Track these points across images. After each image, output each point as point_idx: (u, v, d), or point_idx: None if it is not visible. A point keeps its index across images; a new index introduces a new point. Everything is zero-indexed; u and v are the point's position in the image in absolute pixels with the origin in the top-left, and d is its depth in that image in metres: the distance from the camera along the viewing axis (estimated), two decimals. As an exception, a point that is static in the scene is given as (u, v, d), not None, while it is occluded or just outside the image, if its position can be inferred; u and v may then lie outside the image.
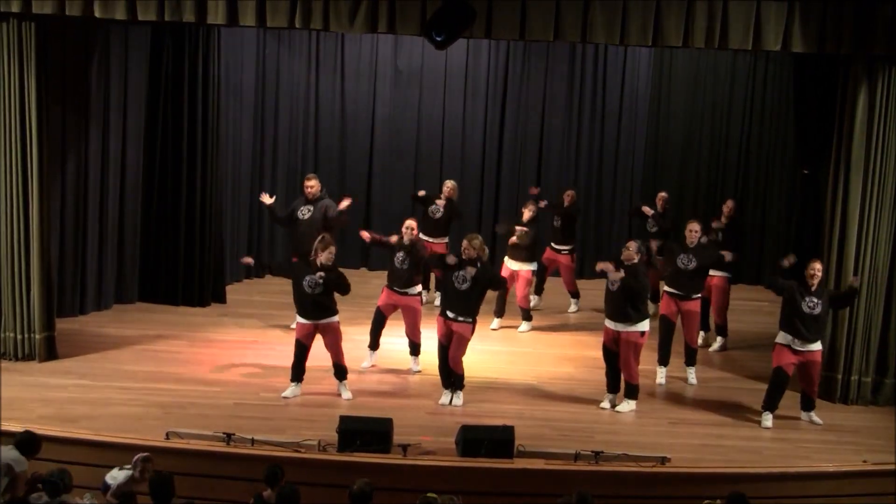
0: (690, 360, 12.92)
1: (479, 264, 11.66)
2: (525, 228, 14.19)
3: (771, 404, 11.64)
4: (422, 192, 15.28)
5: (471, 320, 11.70)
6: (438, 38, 10.65)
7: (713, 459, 10.63)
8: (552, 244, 15.34)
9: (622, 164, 17.55)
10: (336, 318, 11.70)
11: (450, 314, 11.68)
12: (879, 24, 11.64)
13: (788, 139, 16.42)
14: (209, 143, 14.66)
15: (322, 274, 11.43)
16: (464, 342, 11.73)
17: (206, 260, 14.78)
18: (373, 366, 12.75)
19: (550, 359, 13.39)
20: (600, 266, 11.75)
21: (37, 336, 12.30)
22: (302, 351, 11.69)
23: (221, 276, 15.09)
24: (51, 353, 12.44)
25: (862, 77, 11.99)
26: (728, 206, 14.22)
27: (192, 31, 14.25)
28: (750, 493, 8.66)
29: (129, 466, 8.82)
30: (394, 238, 12.64)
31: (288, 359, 12.05)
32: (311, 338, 11.70)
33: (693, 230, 12.77)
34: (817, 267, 11.51)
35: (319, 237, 11.79)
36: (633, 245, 11.86)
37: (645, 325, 11.71)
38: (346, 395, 11.78)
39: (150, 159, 14.62)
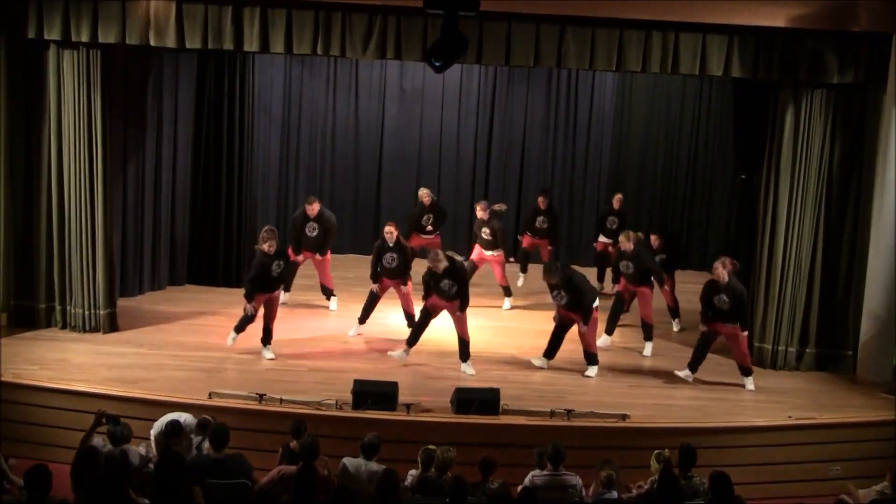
0: (650, 334, 12.86)
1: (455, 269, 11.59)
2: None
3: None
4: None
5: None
6: (437, 64, 10.62)
7: (665, 416, 10.70)
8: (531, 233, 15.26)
9: (591, 169, 17.50)
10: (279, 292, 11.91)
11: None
12: (803, 54, 11.73)
13: (728, 150, 16.37)
14: (244, 150, 14.73)
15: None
16: (464, 319, 11.63)
17: (242, 247, 14.79)
18: (359, 334, 12.64)
19: (530, 333, 13.35)
20: None
21: (101, 312, 12.31)
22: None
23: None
24: (113, 326, 12.47)
25: (789, 99, 12.08)
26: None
27: (231, 57, 14.28)
28: (696, 444, 8.73)
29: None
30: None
31: (310, 330, 12.44)
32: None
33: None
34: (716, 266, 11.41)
35: (266, 229, 11.71)
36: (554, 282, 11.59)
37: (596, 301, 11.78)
38: (268, 355, 11.71)
39: (196, 164, 14.65)
